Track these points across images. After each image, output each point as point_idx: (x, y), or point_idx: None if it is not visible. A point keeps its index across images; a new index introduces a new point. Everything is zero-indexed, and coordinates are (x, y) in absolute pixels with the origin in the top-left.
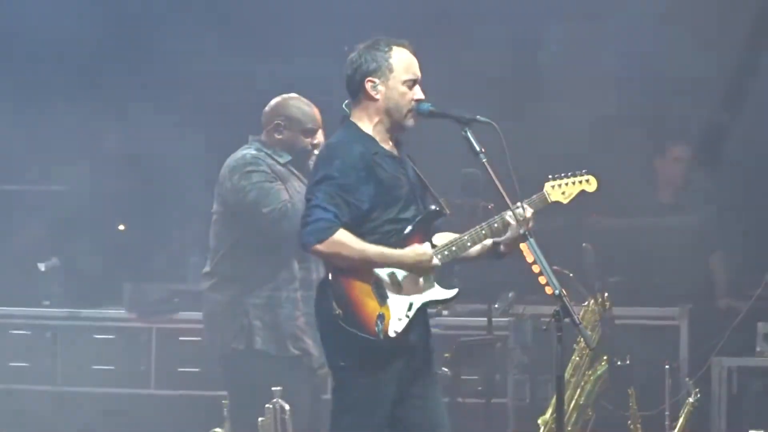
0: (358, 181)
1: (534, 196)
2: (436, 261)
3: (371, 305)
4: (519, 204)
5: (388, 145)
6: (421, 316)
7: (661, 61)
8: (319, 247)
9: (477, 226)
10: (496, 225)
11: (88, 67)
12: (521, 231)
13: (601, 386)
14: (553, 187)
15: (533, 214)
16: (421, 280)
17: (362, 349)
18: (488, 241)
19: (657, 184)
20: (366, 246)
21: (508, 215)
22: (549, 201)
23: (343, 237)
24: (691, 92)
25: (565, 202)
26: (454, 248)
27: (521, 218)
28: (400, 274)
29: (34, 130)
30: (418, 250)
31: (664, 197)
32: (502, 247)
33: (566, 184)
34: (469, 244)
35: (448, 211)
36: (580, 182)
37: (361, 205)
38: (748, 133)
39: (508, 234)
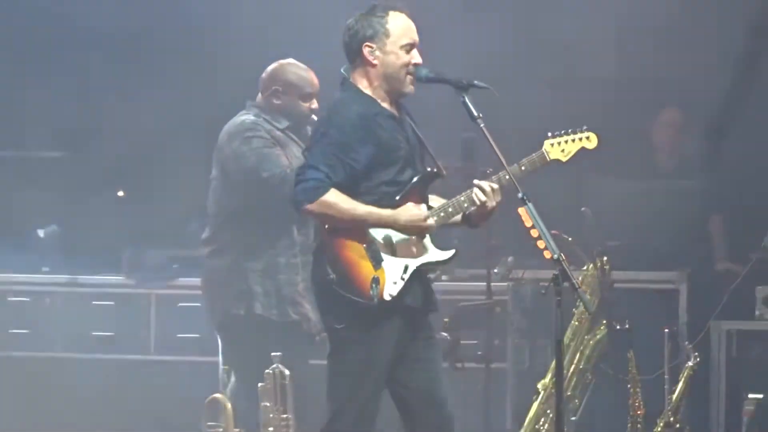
0: (356, 141)
1: (533, 155)
2: (431, 221)
3: (366, 269)
4: (515, 164)
5: (388, 105)
6: (419, 279)
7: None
8: (310, 206)
9: (473, 187)
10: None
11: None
12: (519, 195)
13: (600, 350)
14: (552, 145)
15: (499, 188)
16: (416, 241)
17: (357, 312)
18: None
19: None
20: (357, 205)
21: (474, 192)
22: (548, 159)
23: (333, 197)
24: (693, 56)
25: (564, 160)
26: (450, 209)
27: (480, 200)
28: (395, 236)
29: (33, 95)
30: (412, 210)
31: (657, 161)
32: (472, 218)
33: (566, 141)
34: (466, 204)
35: (444, 173)
36: (580, 139)
37: (356, 164)
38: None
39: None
